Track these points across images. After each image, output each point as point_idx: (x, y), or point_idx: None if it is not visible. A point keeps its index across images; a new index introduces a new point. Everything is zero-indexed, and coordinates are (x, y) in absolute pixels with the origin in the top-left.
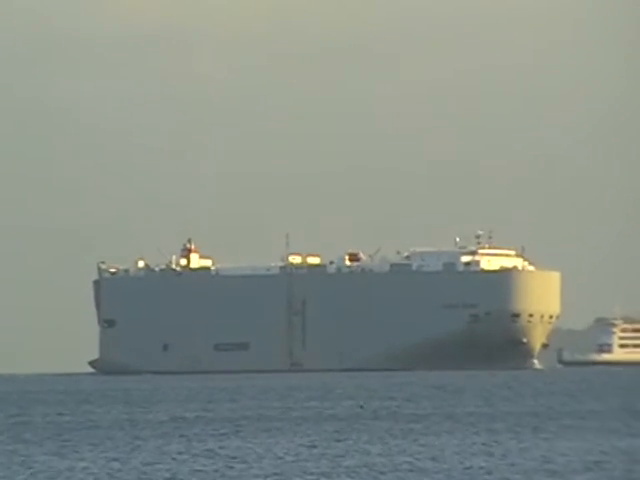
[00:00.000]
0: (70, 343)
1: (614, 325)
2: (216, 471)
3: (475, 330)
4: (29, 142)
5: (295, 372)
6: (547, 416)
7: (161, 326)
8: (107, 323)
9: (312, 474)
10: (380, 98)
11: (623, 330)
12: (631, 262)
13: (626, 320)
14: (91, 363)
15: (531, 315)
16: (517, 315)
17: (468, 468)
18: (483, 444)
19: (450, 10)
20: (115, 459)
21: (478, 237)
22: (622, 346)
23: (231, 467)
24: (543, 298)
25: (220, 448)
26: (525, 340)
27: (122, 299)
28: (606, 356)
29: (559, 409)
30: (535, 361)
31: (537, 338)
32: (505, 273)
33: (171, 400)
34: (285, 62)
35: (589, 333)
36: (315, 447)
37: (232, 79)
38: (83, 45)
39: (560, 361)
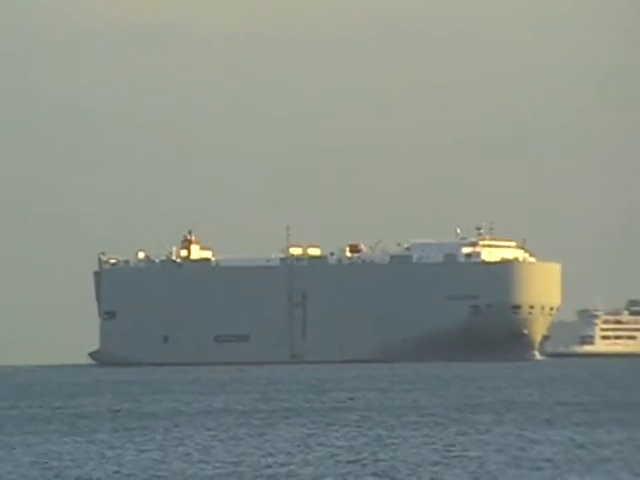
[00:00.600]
0: (70, 334)
1: (596, 317)
2: (206, 463)
3: (476, 322)
4: (27, 137)
5: (295, 364)
6: (535, 407)
7: (161, 317)
8: (107, 314)
9: (297, 465)
10: (379, 93)
11: (605, 322)
12: (614, 254)
13: (609, 312)
14: (91, 354)
15: (532, 307)
16: (518, 307)
17: (438, 463)
18: (465, 435)
19: None
20: (100, 452)
21: (479, 228)
22: (604, 337)
23: (220, 461)
24: (544, 290)
25: (212, 440)
26: (526, 332)
27: (122, 290)
28: (588, 348)
29: (547, 400)
30: (536, 353)
31: (538, 330)
32: (506, 265)
33: (167, 392)
34: (284, 57)
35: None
36: (300, 439)
37: (231, 73)
38: (81, 41)
39: (542, 353)
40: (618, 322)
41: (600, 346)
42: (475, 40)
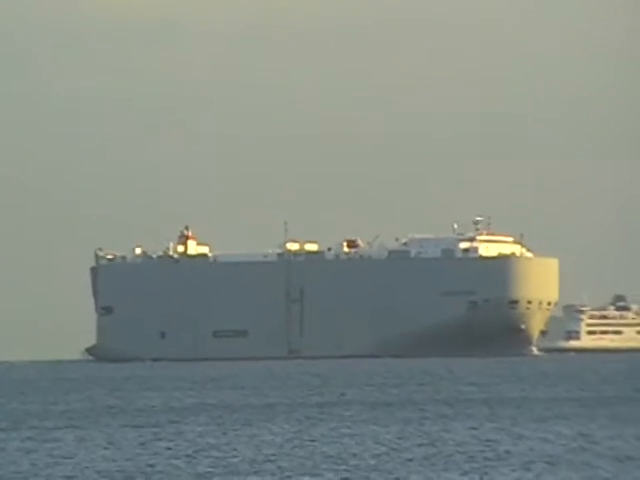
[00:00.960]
0: (67, 330)
1: (582, 312)
2: (199, 458)
3: (474, 317)
4: (25, 132)
5: (293, 359)
6: (528, 403)
7: (159, 313)
8: (104, 310)
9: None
10: (377, 84)
11: (591, 317)
12: (607, 250)
13: (595, 307)
14: (88, 350)
15: (529, 302)
16: (515, 302)
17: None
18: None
19: None
20: (92, 447)
21: (476, 223)
22: (590, 333)
23: (207, 456)
24: (541, 285)
25: (200, 437)
26: (523, 327)
27: (119, 286)
28: (574, 343)
29: (533, 396)
30: (533, 348)
31: (535, 325)
32: (503, 260)
33: (162, 388)
34: (282, 49)
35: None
36: (292, 435)
37: (229, 67)
38: (81, 36)
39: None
40: (604, 317)
41: (586, 341)
42: (476, 32)
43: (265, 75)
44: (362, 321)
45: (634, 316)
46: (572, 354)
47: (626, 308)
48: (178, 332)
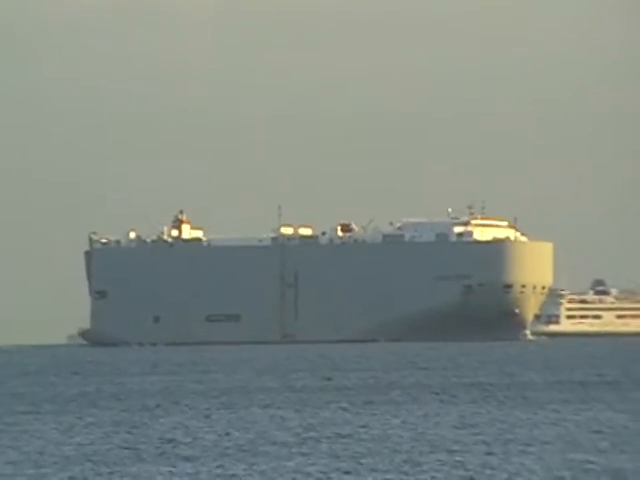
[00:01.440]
0: (61, 314)
1: (561, 296)
2: (186, 443)
3: (468, 301)
4: (20, 118)
5: (287, 344)
6: (515, 387)
7: (152, 297)
8: (98, 294)
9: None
10: (374, 70)
11: (570, 301)
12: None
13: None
14: (82, 334)
15: (523, 286)
16: (510, 286)
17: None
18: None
19: None
20: (82, 431)
21: (471, 208)
22: (569, 317)
23: (191, 441)
24: (536, 269)
25: (184, 420)
26: (517, 311)
27: (113, 270)
28: (553, 327)
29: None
30: (527, 332)
31: (529, 309)
32: (498, 244)
33: (154, 372)
34: (280, 38)
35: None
36: (275, 419)
37: (226, 52)
38: (77, 22)
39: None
40: (583, 302)
41: (565, 325)
42: (476, 16)
43: (259, 59)
44: (357, 305)
45: (613, 300)
46: (560, 339)
47: (605, 292)
48: (172, 316)
